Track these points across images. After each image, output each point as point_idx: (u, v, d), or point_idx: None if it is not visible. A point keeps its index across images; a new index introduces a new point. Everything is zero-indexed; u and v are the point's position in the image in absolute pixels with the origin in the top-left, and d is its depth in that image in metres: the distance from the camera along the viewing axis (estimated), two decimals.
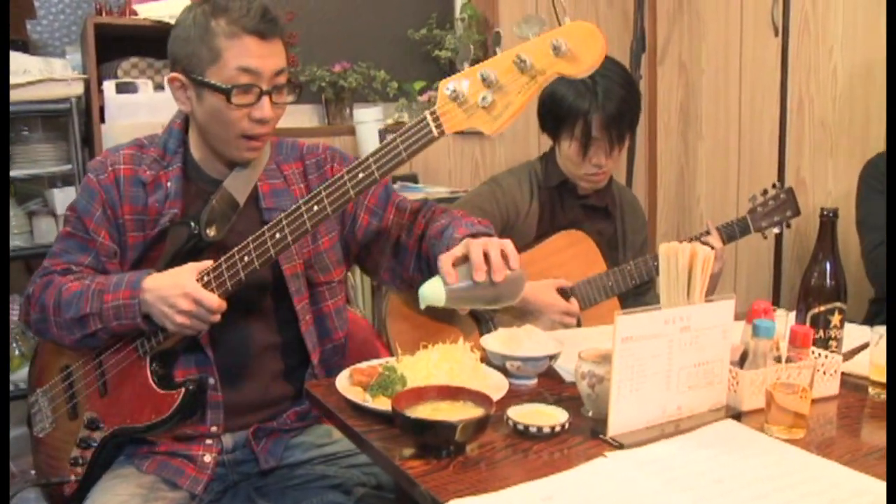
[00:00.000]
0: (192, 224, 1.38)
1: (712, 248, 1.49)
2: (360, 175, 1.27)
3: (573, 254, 2.01)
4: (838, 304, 1.35)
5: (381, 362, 1.33)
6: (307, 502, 1.42)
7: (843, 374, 1.30)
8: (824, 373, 1.27)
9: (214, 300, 1.31)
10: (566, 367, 1.35)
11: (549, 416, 1.14)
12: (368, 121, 2.90)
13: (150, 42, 2.48)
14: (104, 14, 2.52)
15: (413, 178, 3.07)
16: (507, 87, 1.20)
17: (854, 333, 1.48)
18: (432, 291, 1.23)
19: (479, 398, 1.11)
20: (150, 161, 1.46)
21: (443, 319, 1.90)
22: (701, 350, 1.15)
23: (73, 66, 2.52)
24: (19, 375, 2.32)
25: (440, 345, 1.28)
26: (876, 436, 1.15)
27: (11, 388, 2.32)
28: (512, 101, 1.21)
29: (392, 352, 1.82)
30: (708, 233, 2.02)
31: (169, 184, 1.44)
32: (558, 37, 1.17)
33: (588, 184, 2.01)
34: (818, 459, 1.03)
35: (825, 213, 1.37)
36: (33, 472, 1.58)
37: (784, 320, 1.31)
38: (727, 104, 3.09)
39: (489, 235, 1.32)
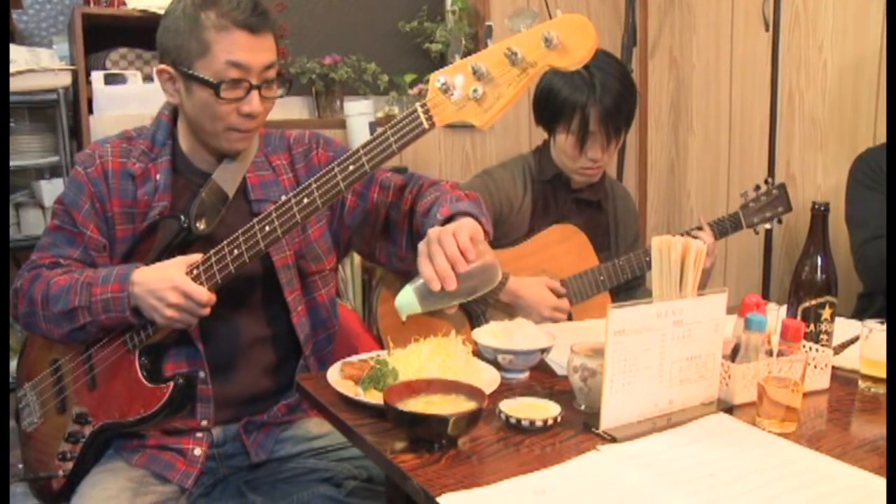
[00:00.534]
0: (182, 217, 1.37)
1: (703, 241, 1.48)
2: (351, 167, 1.27)
3: (565, 248, 2.01)
4: (829, 299, 1.36)
5: (373, 356, 1.33)
6: (298, 495, 1.41)
7: (833, 367, 1.31)
8: (815, 367, 1.27)
9: (204, 293, 1.30)
10: (558, 361, 1.35)
11: (541, 409, 1.13)
12: (359, 113, 2.89)
13: (139, 33, 2.45)
14: (92, 4, 2.49)
15: (403, 171, 3.05)
16: (498, 80, 1.20)
17: (843, 327, 1.48)
18: (407, 302, 1.21)
19: (471, 391, 1.11)
20: (139, 153, 1.44)
21: (434, 314, 1.90)
22: (693, 344, 1.15)
23: (61, 56, 2.50)
24: None
25: (432, 338, 1.28)
26: (866, 429, 1.15)
27: None
28: (503, 93, 1.20)
29: (382, 345, 1.81)
30: (700, 228, 2.02)
31: (158, 176, 1.43)
32: (550, 29, 1.17)
33: (582, 178, 2.01)
34: (809, 452, 1.04)
35: (817, 207, 1.37)
36: (21, 466, 1.57)
37: (775, 314, 1.32)
38: (718, 98, 3.10)
39: (472, 214, 1.28)
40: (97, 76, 2.46)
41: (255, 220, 1.31)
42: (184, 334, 1.40)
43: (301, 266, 1.49)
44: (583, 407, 1.18)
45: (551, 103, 1.94)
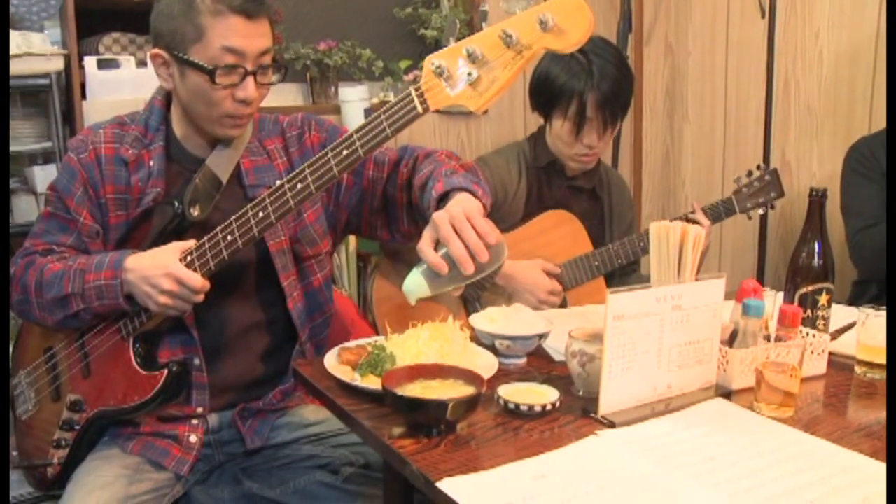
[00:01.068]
0: (176, 203, 1.36)
1: (701, 225, 1.48)
2: (345, 152, 1.25)
3: (560, 234, 2.00)
4: (826, 285, 1.36)
5: (370, 341, 1.32)
6: (294, 482, 1.41)
7: (830, 353, 1.31)
8: (812, 352, 1.28)
9: (197, 280, 1.29)
10: (555, 347, 1.35)
11: (539, 394, 1.13)
12: (354, 99, 2.88)
13: (133, 17, 2.41)
14: None
15: None
16: (493, 63, 1.19)
17: (839, 314, 1.48)
18: (416, 285, 1.19)
19: (469, 377, 1.10)
20: (132, 139, 1.43)
21: (429, 298, 1.89)
22: (691, 329, 1.15)
23: (52, 41, 2.46)
24: None
25: (430, 323, 1.28)
26: (862, 414, 1.16)
27: None
28: (498, 76, 1.19)
29: (378, 331, 1.81)
30: (693, 212, 2.02)
31: (151, 162, 1.41)
32: (545, 11, 1.15)
33: (577, 164, 2.01)
34: (807, 437, 1.04)
35: (814, 193, 1.37)
36: (16, 453, 1.56)
37: (772, 300, 1.32)
38: (713, 86, 3.09)
39: (469, 190, 1.25)
40: (90, 61, 2.43)
41: (249, 205, 1.30)
42: (178, 321, 1.39)
43: (296, 250, 1.48)
44: (581, 392, 1.18)
45: (548, 89, 1.93)
